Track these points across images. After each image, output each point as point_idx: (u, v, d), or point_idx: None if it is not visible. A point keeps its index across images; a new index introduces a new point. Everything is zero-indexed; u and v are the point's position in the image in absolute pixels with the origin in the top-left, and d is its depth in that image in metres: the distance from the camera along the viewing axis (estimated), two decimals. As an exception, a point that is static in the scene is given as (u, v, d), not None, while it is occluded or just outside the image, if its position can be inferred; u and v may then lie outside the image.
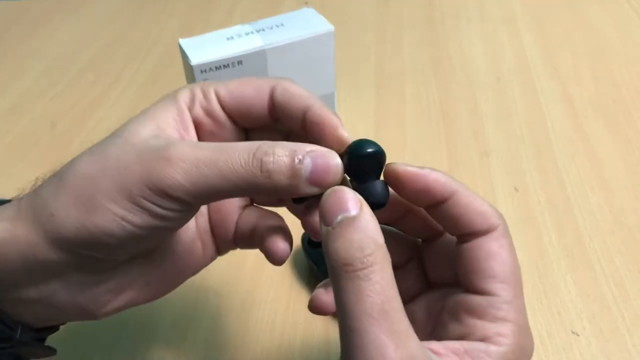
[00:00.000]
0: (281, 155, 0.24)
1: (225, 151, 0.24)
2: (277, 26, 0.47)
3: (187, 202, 0.24)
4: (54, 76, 0.71)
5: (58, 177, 0.25)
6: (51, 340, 0.30)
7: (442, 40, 0.73)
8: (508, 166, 0.53)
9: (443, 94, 0.63)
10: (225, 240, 0.31)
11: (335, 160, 0.24)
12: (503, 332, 0.24)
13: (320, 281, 0.42)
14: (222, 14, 0.82)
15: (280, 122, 0.28)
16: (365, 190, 0.25)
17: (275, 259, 0.29)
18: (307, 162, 0.24)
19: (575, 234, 0.47)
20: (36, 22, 0.83)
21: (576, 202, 0.49)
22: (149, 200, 0.23)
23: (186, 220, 0.26)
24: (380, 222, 0.23)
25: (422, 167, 0.26)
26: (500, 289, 0.25)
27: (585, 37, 0.71)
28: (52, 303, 0.26)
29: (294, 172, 0.24)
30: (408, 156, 0.55)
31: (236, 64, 0.45)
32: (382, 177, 0.26)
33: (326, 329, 0.41)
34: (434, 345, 0.24)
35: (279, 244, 0.29)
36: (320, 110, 0.26)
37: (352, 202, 0.23)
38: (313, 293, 0.29)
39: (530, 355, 0.25)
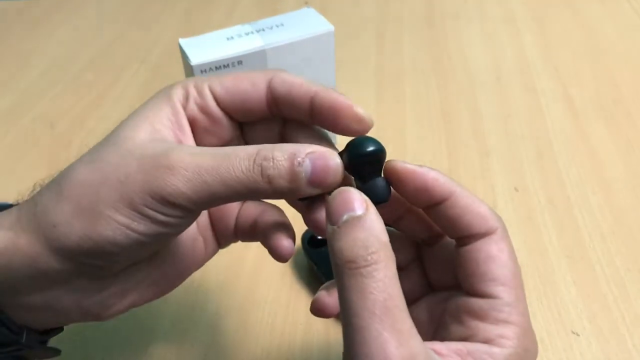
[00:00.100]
0: (280, 159, 0.24)
1: (226, 158, 0.24)
2: (277, 26, 0.47)
3: (189, 209, 0.24)
4: (54, 76, 0.71)
5: (57, 185, 0.25)
6: (52, 340, 0.30)
7: (442, 40, 0.73)
8: (508, 166, 0.53)
9: (443, 94, 0.63)
10: (226, 235, 0.31)
11: (334, 161, 0.24)
12: (506, 335, 0.24)
13: (320, 281, 0.42)
14: (222, 14, 0.82)
15: (282, 113, 0.28)
16: (367, 188, 0.25)
17: (280, 257, 0.29)
18: (307, 164, 0.24)
19: (575, 234, 0.47)
20: (36, 22, 0.83)
21: (576, 202, 0.49)
22: (151, 208, 0.24)
23: (188, 224, 0.26)
24: None
25: (420, 166, 0.26)
26: (501, 292, 0.25)
27: (585, 37, 0.71)
28: (56, 308, 0.26)
29: (293, 175, 0.24)
30: (408, 156, 0.55)
31: (236, 64, 0.45)
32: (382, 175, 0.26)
33: (326, 329, 0.41)
34: (437, 345, 0.24)
35: (283, 242, 0.29)
36: (329, 94, 0.26)
37: (358, 202, 0.23)
38: (315, 296, 0.29)
39: (534, 357, 0.25)
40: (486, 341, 0.24)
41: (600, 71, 0.65)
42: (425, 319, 0.28)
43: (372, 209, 0.23)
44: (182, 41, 0.46)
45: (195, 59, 0.44)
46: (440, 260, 0.29)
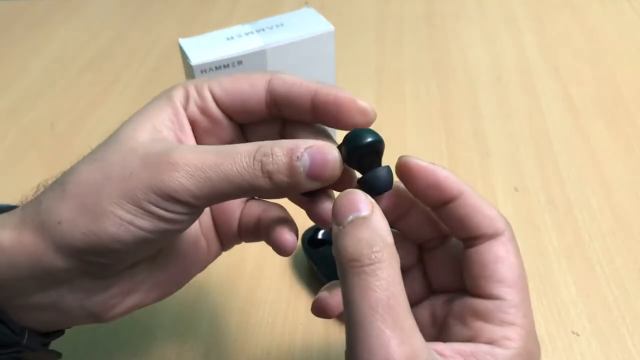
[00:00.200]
0: (279, 155, 0.24)
1: (228, 154, 0.24)
2: (277, 26, 0.47)
3: (193, 205, 0.24)
4: (54, 76, 0.71)
5: (61, 184, 0.25)
6: (52, 343, 0.30)
7: (442, 40, 0.73)
8: (508, 166, 0.53)
9: (443, 94, 0.63)
10: (229, 235, 0.31)
11: (332, 154, 0.25)
12: (510, 336, 0.24)
13: (320, 281, 0.42)
14: (222, 14, 0.82)
15: (282, 114, 0.28)
16: (369, 178, 0.26)
17: (283, 251, 0.29)
18: (305, 158, 0.24)
19: (575, 234, 0.47)
20: (36, 22, 0.83)
21: (576, 202, 0.49)
22: (155, 205, 0.24)
23: (192, 221, 0.26)
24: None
25: (433, 164, 0.26)
26: (508, 293, 0.25)
27: (585, 37, 0.71)
28: (59, 308, 0.26)
29: (292, 170, 0.24)
30: (408, 156, 0.55)
31: (236, 64, 0.45)
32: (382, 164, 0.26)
33: (326, 329, 0.41)
34: (440, 346, 0.24)
35: (285, 236, 0.29)
36: (330, 90, 0.26)
37: (363, 204, 0.23)
38: (316, 296, 0.29)
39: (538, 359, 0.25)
40: (490, 342, 0.24)
41: (600, 71, 0.65)
42: (427, 321, 0.28)
43: (378, 210, 0.23)
44: (182, 41, 0.46)
45: (195, 59, 0.44)
46: (442, 263, 0.29)
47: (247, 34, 0.46)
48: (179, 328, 0.42)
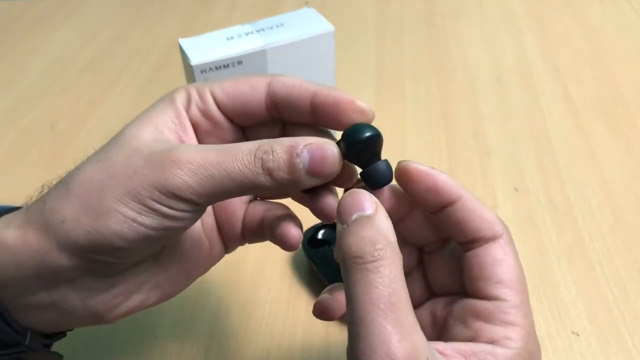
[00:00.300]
0: (279, 152, 0.24)
1: (229, 152, 0.24)
2: (277, 26, 0.47)
3: (195, 203, 0.24)
4: (54, 76, 0.71)
5: (65, 184, 0.25)
6: (52, 345, 0.30)
7: (442, 40, 0.73)
8: (508, 166, 0.53)
9: (443, 94, 0.63)
10: (233, 236, 0.32)
11: (331, 150, 0.25)
12: (511, 336, 0.24)
13: (320, 281, 0.42)
14: (222, 14, 0.82)
15: (282, 116, 0.28)
16: (368, 172, 0.26)
17: (288, 245, 0.30)
18: (304, 155, 0.24)
19: (575, 234, 0.47)
20: (36, 22, 0.83)
21: (576, 202, 0.49)
22: (158, 202, 0.24)
23: (195, 219, 0.26)
24: None
25: (432, 168, 0.27)
26: (508, 294, 0.25)
27: (585, 37, 0.71)
28: (62, 308, 0.27)
29: (292, 166, 0.24)
30: (408, 156, 0.54)
31: (236, 64, 0.45)
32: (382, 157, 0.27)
33: (326, 330, 0.41)
34: (441, 346, 0.24)
35: (291, 230, 0.29)
36: (328, 91, 0.27)
37: (368, 203, 0.24)
38: (318, 298, 0.29)
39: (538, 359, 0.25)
40: (491, 342, 0.25)
41: (600, 71, 0.65)
42: (427, 323, 0.29)
43: (382, 209, 0.24)
44: (182, 41, 0.46)
45: (195, 59, 0.44)
46: (442, 266, 0.29)
47: (247, 34, 0.46)
48: (179, 328, 0.42)
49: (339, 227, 0.24)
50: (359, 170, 0.27)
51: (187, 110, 0.28)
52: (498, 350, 0.24)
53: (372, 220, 0.23)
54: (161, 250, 0.29)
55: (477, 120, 0.59)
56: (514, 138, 0.57)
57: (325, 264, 0.42)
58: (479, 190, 0.51)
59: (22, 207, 0.27)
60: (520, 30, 0.74)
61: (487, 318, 0.25)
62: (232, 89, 0.28)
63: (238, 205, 0.31)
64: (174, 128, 0.27)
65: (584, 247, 0.46)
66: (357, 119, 0.26)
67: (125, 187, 0.24)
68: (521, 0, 0.80)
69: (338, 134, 0.27)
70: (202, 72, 0.44)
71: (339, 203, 0.24)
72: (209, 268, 0.32)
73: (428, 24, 0.77)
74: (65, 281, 0.26)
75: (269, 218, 0.30)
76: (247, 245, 0.33)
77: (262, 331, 0.41)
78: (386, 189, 0.27)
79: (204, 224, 0.31)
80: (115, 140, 0.26)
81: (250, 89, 0.28)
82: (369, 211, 0.23)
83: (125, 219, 0.24)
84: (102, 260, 0.25)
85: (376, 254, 0.22)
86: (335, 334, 0.41)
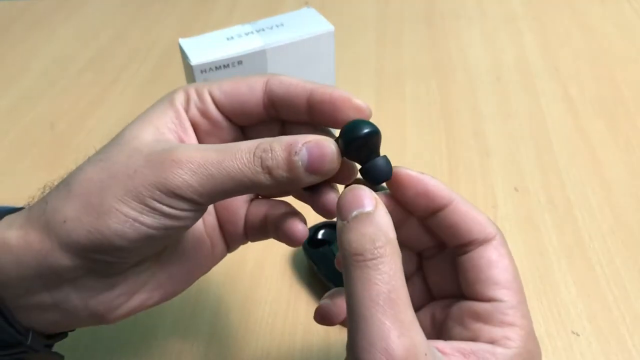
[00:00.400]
0: (278, 150, 0.24)
1: (229, 151, 0.24)
2: (277, 26, 0.47)
3: (196, 202, 0.25)
4: (54, 76, 0.71)
5: (66, 184, 0.26)
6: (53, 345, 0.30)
7: (442, 40, 0.73)
8: (508, 166, 0.53)
9: (443, 94, 0.63)
10: (235, 235, 0.32)
11: (329, 147, 0.25)
12: (510, 336, 0.25)
13: (320, 281, 0.42)
14: (222, 14, 0.82)
15: (280, 115, 0.29)
16: (367, 169, 0.26)
17: (294, 240, 0.30)
18: (303, 152, 0.25)
19: (575, 234, 0.47)
20: (36, 22, 0.83)
21: (576, 202, 0.49)
22: (159, 201, 0.24)
23: (196, 219, 0.26)
24: None
25: (422, 173, 0.27)
26: (505, 295, 0.25)
27: (585, 37, 0.71)
28: (64, 309, 0.27)
29: (291, 164, 0.24)
30: (408, 156, 0.55)
31: (236, 64, 0.45)
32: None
33: (326, 329, 0.41)
34: (440, 344, 0.24)
35: (297, 225, 0.30)
36: (325, 89, 0.27)
37: (368, 199, 0.24)
38: (319, 304, 0.29)
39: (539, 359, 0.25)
40: (490, 342, 0.25)
41: (600, 71, 0.65)
42: (427, 325, 0.29)
43: (382, 205, 0.24)
44: (182, 41, 0.46)
45: (195, 59, 0.44)
46: (441, 270, 0.29)
47: (247, 34, 0.46)
48: (179, 328, 0.42)
49: (339, 223, 0.24)
50: (359, 167, 0.27)
51: (187, 111, 0.28)
52: (498, 349, 0.24)
53: (372, 217, 0.23)
54: (162, 250, 0.29)
55: (477, 120, 0.59)
56: (514, 138, 0.57)
57: (325, 264, 0.42)
58: (479, 190, 0.51)
59: (24, 208, 0.27)
60: (520, 30, 0.74)
61: (485, 319, 0.25)
62: (229, 88, 0.28)
63: (240, 204, 0.31)
64: (174, 128, 0.28)
65: (584, 247, 0.46)
66: (354, 116, 0.26)
67: (126, 187, 0.24)
68: (521, 0, 0.80)
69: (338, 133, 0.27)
70: (202, 72, 0.44)
71: (339, 199, 0.24)
72: (210, 268, 0.32)
73: (428, 24, 0.77)
74: (67, 281, 0.26)
75: (273, 216, 0.30)
76: (247, 244, 0.33)
77: (262, 331, 0.41)
78: (382, 195, 0.27)
79: (206, 223, 0.31)
80: (115, 140, 0.27)
81: (248, 89, 0.28)
82: (368, 208, 0.23)
83: (127, 218, 0.24)
84: (103, 260, 0.25)
85: (376, 251, 0.22)
86: (335, 334, 0.41)
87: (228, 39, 0.46)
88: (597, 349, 0.39)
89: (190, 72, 0.44)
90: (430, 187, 0.26)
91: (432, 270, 0.30)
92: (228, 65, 0.44)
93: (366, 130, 0.25)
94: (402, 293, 0.22)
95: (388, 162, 0.26)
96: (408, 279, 0.30)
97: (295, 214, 0.30)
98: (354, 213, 0.23)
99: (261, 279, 0.45)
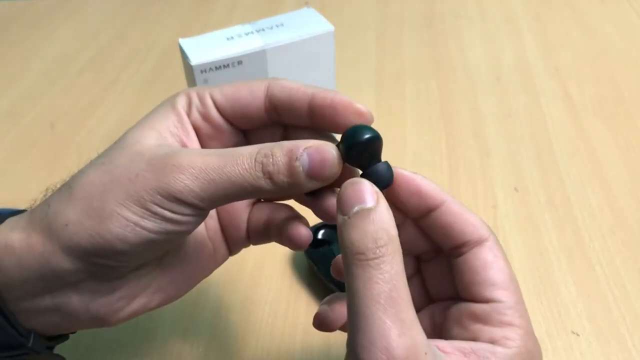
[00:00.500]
0: (279, 156, 0.24)
1: (230, 157, 0.24)
2: (277, 26, 0.47)
3: (197, 207, 0.25)
4: (54, 76, 0.71)
5: (68, 187, 0.26)
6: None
7: (442, 40, 0.73)
8: (508, 166, 0.53)
9: (443, 93, 0.63)
10: (237, 239, 0.32)
11: (330, 153, 0.25)
12: (510, 336, 0.25)
13: (320, 281, 0.42)
14: (222, 14, 0.82)
15: (281, 119, 0.29)
16: (369, 174, 0.26)
17: (298, 244, 0.30)
18: (304, 158, 0.24)
19: (575, 234, 0.47)
20: (36, 22, 0.83)
21: (576, 202, 0.49)
22: (160, 206, 0.24)
23: (197, 223, 0.26)
24: None
25: (414, 172, 0.27)
26: (503, 295, 0.25)
27: (585, 37, 0.71)
28: (65, 311, 0.27)
29: (292, 170, 0.24)
30: (408, 156, 0.55)
31: (236, 64, 0.45)
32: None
33: (326, 329, 0.41)
34: (441, 343, 0.24)
35: (300, 229, 0.30)
36: (326, 93, 0.27)
37: (369, 194, 0.24)
38: (317, 310, 0.29)
39: (539, 359, 0.25)
40: (490, 342, 0.25)
41: (600, 71, 0.65)
42: (427, 327, 0.29)
43: (383, 201, 0.24)
44: (182, 41, 0.46)
45: (195, 59, 0.44)
46: (439, 273, 0.29)
47: (247, 34, 0.46)
48: (179, 328, 0.42)
49: (339, 217, 0.24)
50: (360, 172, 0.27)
51: (189, 114, 0.28)
52: (498, 349, 0.24)
53: (373, 214, 0.23)
54: (164, 254, 0.29)
55: (477, 120, 0.59)
56: (513, 138, 0.57)
57: (325, 264, 0.42)
58: (479, 190, 0.51)
59: (26, 210, 0.27)
60: (520, 30, 0.74)
61: (484, 320, 0.25)
62: (231, 92, 0.28)
63: (242, 208, 0.31)
64: (177, 132, 0.28)
65: (584, 247, 0.46)
66: (355, 121, 0.26)
67: (127, 191, 0.24)
68: (521, 0, 0.80)
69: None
70: (202, 72, 0.44)
71: (340, 193, 0.24)
72: (212, 271, 0.32)
73: (428, 24, 0.77)
74: (69, 284, 0.26)
75: (276, 220, 0.30)
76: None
77: (262, 331, 0.41)
78: None
79: (208, 227, 0.31)
80: (117, 144, 0.27)
81: (250, 93, 0.28)
82: (370, 203, 0.23)
83: (128, 222, 0.24)
84: (104, 264, 0.25)
85: (378, 251, 0.22)
86: (335, 334, 0.40)
87: (228, 39, 0.46)
88: (597, 349, 0.39)
89: (190, 72, 0.44)
90: (422, 186, 0.27)
91: (430, 274, 0.30)
92: (228, 65, 0.44)
93: (367, 136, 0.25)
94: (403, 292, 0.22)
95: (389, 167, 0.26)
96: (409, 280, 0.30)
97: (299, 218, 0.30)
98: (355, 209, 0.23)
99: (261, 279, 0.45)
